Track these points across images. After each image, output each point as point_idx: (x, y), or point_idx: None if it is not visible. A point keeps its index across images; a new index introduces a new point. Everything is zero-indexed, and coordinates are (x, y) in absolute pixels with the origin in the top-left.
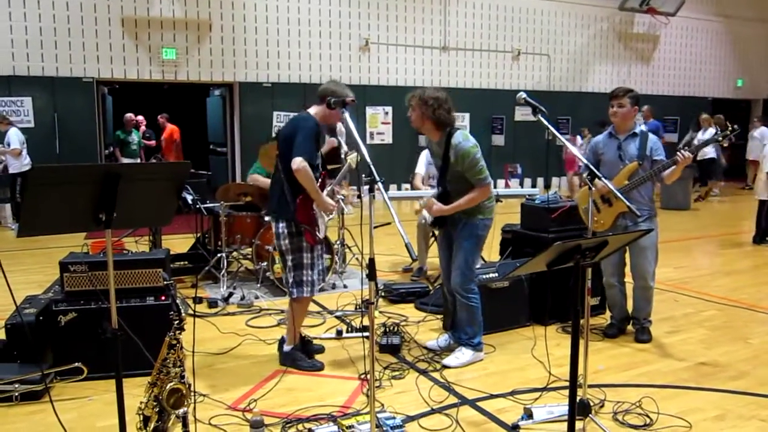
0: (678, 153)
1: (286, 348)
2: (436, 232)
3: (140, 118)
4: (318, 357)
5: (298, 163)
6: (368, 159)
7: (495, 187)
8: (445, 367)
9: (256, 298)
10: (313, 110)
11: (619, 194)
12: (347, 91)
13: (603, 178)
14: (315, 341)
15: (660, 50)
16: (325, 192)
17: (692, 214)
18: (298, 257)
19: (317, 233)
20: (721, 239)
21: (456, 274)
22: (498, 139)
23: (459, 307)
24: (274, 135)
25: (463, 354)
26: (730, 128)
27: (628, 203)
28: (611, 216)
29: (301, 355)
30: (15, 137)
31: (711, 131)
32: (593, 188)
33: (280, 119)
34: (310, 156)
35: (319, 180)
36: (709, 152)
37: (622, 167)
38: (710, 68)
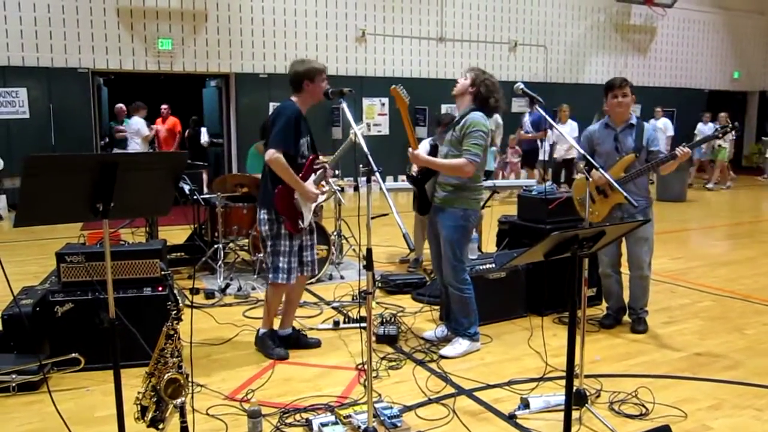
0: (677, 149)
1: (261, 331)
2: None
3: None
4: (315, 348)
5: (270, 154)
6: (366, 149)
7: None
8: (442, 357)
9: (253, 289)
10: (294, 97)
11: (617, 185)
12: (315, 64)
13: (601, 170)
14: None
15: (657, 42)
16: (312, 178)
17: (688, 206)
18: (276, 243)
19: (300, 222)
20: (717, 230)
21: (446, 267)
22: None
23: (452, 299)
24: None
25: (459, 344)
26: (730, 125)
27: (627, 195)
28: (607, 207)
29: (269, 342)
30: None
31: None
32: (590, 179)
33: None
34: (285, 146)
35: (305, 165)
36: None
37: (618, 158)
38: (707, 60)
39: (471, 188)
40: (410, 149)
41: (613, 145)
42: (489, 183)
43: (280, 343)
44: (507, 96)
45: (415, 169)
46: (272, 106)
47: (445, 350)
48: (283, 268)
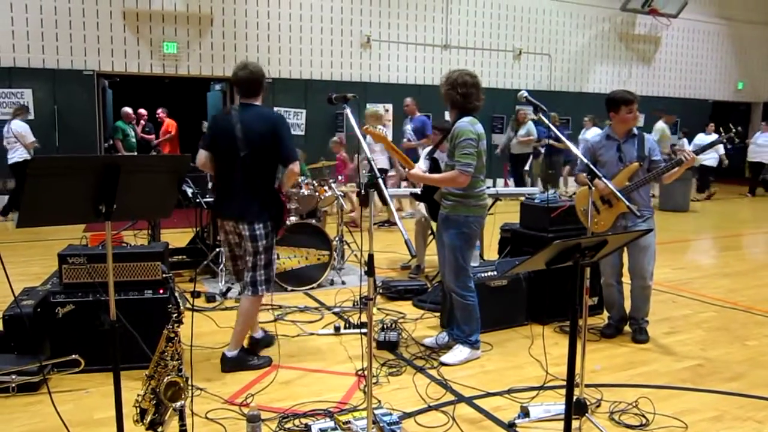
0: (683, 154)
1: (230, 354)
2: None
3: (142, 111)
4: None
5: (296, 167)
6: (369, 155)
7: (494, 185)
8: (442, 364)
9: None
10: (256, 101)
11: (619, 194)
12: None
13: (603, 178)
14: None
15: (661, 52)
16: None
17: (691, 216)
18: (270, 255)
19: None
20: (720, 241)
21: (449, 273)
22: (498, 138)
23: (455, 306)
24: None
25: (460, 352)
26: (733, 130)
27: (629, 204)
28: (611, 217)
29: (249, 356)
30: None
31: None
32: (593, 188)
33: None
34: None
35: None
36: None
37: (621, 168)
38: (711, 70)
39: (473, 195)
40: (407, 170)
41: (616, 155)
42: (492, 191)
43: (257, 347)
44: (511, 104)
45: (423, 209)
46: (276, 110)
47: (446, 357)
48: (271, 277)
